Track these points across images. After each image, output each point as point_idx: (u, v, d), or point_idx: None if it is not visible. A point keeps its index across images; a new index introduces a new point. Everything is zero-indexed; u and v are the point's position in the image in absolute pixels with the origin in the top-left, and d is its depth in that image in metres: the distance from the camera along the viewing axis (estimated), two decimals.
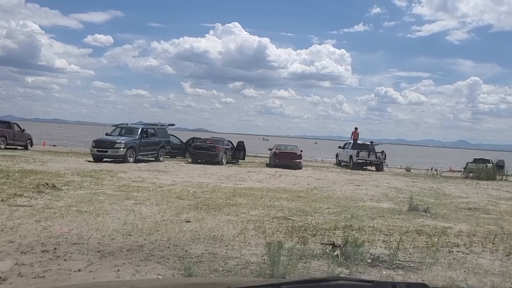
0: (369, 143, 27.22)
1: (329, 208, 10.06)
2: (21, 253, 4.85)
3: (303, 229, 7.28)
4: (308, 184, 15.34)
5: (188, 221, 7.33)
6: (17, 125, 25.12)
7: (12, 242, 5.27)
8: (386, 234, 7.30)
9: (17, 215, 6.78)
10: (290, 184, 14.99)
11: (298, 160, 23.17)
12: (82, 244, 5.37)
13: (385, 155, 26.40)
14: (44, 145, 32.37)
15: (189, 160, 23.81)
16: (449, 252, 6.20)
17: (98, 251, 5.08)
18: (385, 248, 6.24)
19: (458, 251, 6.32)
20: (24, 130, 25.15)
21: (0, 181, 10.53)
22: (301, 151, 24.44)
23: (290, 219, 8.18)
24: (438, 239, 7.20)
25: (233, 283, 1.39)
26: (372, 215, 9.29)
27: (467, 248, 6.62)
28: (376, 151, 26.28)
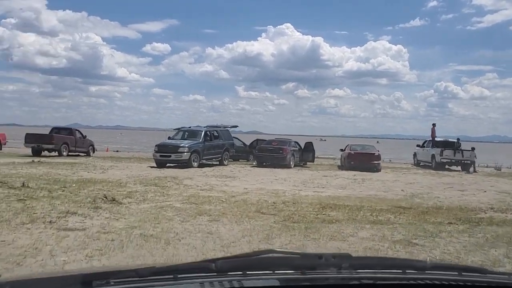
0: (456, 140, 24.20)
1: (451, 223, 7.81)
2: None
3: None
4: (402, 190, 13.01)
5: None
6: (79, 131, 24.67)
7: None
8: None
9: (64, 245, 5.17)
10: (381, 191, 12.74)
11: (376, 162, 20.73)
12: None
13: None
14: (107, 151, 32.05)
15: (254, 163, 22.13)
16: None
17: None
18: None
19: None
20: (85, 136, 24.61)
21: (54, 194, 9.19)
22: (379, 151, 21.99)
23: (418, 245, 6.06)
24: None
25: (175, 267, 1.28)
26: None
27: None
28: (464, 149, 23.28)
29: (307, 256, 1.44)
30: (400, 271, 1.34)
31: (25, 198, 8.27)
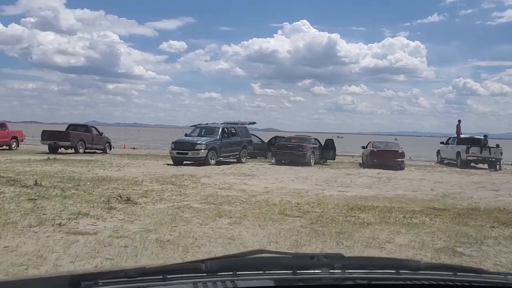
0: (482, 137, 23.20)
1: (494, 227, 7.13)
2: None
3: None
4: (431, 189, 12.29)
5: None
6: (95, 128, 24.46)
7: None
8: None
9: (72, 252, 4.68)
10: (409, 191, 12.05)
11: (400, 159, 19.96)
12: None
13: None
14: (124, 148, 31.87)
15: (272, 160, 21.53)
16: None
17: None
18: None
19: None
20: (102, 133, 24.38)
21: (67, 192, 8.77)
22: (402, 148, 21.18)
23: (464, 255, 5.41)
24: None
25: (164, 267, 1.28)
26: None
27: None
28: (490, 146, 22.30)
29: (298, 256, 1.44)
30: (394, 271, 1.30)
31: (36, 198, 7.86)
